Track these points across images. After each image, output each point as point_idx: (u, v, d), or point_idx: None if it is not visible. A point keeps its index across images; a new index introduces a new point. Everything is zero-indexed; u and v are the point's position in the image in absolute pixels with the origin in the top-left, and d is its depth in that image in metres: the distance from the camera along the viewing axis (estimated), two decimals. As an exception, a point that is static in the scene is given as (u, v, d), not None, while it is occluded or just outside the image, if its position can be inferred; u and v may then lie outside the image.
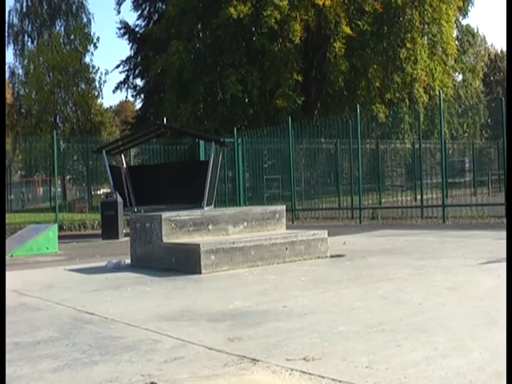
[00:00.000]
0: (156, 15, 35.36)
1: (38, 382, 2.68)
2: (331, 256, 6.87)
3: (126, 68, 35.99)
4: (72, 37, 38.38)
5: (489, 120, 38.19)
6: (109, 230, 12.23)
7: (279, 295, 4.54)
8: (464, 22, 40.82)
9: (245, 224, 7.19)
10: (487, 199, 17.70)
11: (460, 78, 42.83)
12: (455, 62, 35.98)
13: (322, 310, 3.90)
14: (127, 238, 8.44)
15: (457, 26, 36.95)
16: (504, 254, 5.49)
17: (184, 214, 6.90)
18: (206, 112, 30.38)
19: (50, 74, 36.24)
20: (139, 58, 35.72)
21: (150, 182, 14.16)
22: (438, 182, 15.53)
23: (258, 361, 2.80)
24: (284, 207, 8.02)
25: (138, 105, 39.05)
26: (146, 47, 33.98)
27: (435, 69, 29.82)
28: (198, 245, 6.03)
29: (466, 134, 39.08)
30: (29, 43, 40.07)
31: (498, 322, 3.24)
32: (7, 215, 14.32)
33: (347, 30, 26.82)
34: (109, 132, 40.18)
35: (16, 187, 31.22)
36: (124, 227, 12.65)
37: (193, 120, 28.47)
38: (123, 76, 36.32)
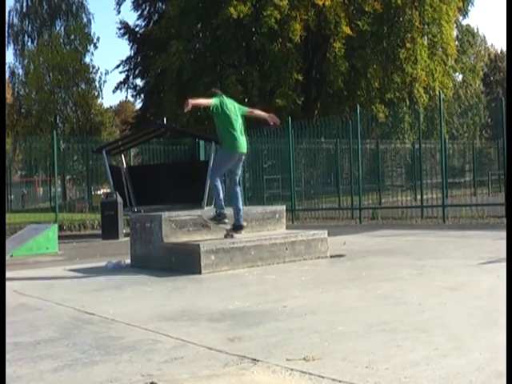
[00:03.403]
0: (156, 15, 35.37)
1: (38, 382, 2.68)
2: (331, 256, 6.87)
3: (126, 68, 36.02)
4: (72, 37, 38.41)
5: (489, 120, 38.19)
6: (109, 230, 12.22)
7: (279, 295, 4.54)
8: (464, 22, 40.87)
9: (245, 224, 7.19)
10: (487, 199, 17.68)
11: (460, 78, 42.86)
12: (455, 62, 35.99)
13: (322, 310, 3.90)
14: (127, 238, 8.44)
15: (457, 26, 36.97)
16: (504, 254, 5.49)
17: (184, 214, 6.90)
18: (206, 112, 30.36)
19: (50, 74, 36.26)
20: (139, 58, 35.74)
21: (150, 182, 14.14)
22: (438, 181, 15.52)
23: (258, 361, 2.80)
24: (284, 207, 8.02)
25: (138, 105, 39.12)
26: (146, 47, 33.99)
27: (435, 69, 29.83)
28: (198, 245, 6.03)
29: (466, 134, 39.08)
30: (29, 43, 40.15)
31: (498, 322, 3.24)
32: (7, 215, 14.31)
33: (347, 30, 26.82)
34: (109, 132, 40.19)
35: (16, 187, 31.23)
36: (124, 227, 12.64)
37: (193, 120, 28.45)
38: (123, 76, 36.38)
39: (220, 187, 6.54)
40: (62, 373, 2.79)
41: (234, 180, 6.73)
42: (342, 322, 3.50)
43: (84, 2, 40.93)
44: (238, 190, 6.69)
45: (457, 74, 40.22)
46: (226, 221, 6.47)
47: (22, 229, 11.47)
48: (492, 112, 31.49)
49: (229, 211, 6.66)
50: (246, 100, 28.82)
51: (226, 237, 6.42)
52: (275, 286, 5.12)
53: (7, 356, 3.04)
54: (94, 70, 38.08)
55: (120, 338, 3.42)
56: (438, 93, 17.24)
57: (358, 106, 14.88)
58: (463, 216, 12.80)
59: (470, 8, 35.88)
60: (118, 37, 36.22)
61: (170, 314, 4.05)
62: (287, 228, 7.87)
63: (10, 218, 15.03)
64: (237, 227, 6.52)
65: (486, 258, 6.08)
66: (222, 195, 6.53)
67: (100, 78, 38.50)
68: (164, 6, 33.82)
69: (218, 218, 6.50)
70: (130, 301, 4.72)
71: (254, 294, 4.66)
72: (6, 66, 38.05)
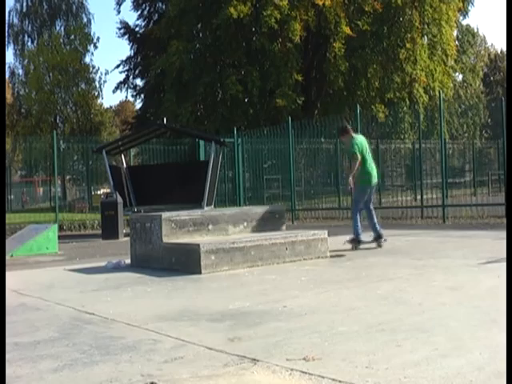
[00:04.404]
0: (156, 15, 35.32)
1: (38, 382, 2.68)
2: (331, 256, 6.87)
3: (126, 68, 35.96)
4: (72, 37, 38.37)
5: (489, 120, 38.18)
6: (109, 230, 12.22)
7: (279, 295, 4.54)
8: (464, 22, 40.90)
9: (245, 224, 7.19)
10: (487, 199, 17.69)
11: (460, 78, 42.87)
12: (455, 62, 35.98)
13: (322, 310, 3.90)
14: (127, 238, 8.44)
15: (457, 26, 36.93)
16: (504, 254, 5.49)
17: (184, 214, 6.90)
18: (205, 112, 30.36)
19: (50, 74, 36.23)
20: (139, 58, 35.70)
21: (150, 182, 14.14)
22: (438, 181, 15.53)
23: (258, 361, 2.80)
24: (284, 207, 8.02)
25: (138, 105, 39.04)
26: (146, 47, 33.96)
27: (435, 69, 29.82)
28: (198, 245, 6.03)
29: (466, 134, 39.09)
30: (29, 43, 40.12)
31: (498, 322, 3.24)
32: (7, 215, 14.31)
33: (347, 30, 26.81)
34: (109, 132, 40.19)
35: (16, 187, 31.21)
36: (124, 227, 12.64)
37: (193, 120, 28.44)
38: (123, 76, 36.30)
39: (358, 218, 7.69)
40: (61, 373, 2.79)
41: (368, 203, 7.87)
42: (341, 322, 3.50)
43: (84, 2, 40.93)
44: (373, 210, 7.94)
45: (457, 73, 40.22)
46: (360, 237, 7.64)
47: (22, 229, 11.47)
48: (492, 112, 31.49)
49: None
50: (246, 100, 28.86)
51: (378, 246, 7.66)
52: (275, 286, 5.12)
53: (7, 356, 3.04)
54: (94, 70, 38.08)
55: (120, 337, 3.42)
56: (437, 93, 17.23)
57: (358, 106, 14.88)
58: (463, 216, 12.79)
59: (470, 8, 35.88)
60: (118, 37, 36.19)
61: (169, 313, 4.05)
62: (287, 228, 7.87)
63: (10, 218, 15.03)
64: (378, 236, 7.71)
65: (485, 257, 6.08)
66: (359, 224, 7.66)
67: (100, 77, 38.48)
68: (164, 6, 33.80)
69: (354, 241, 7.63)
70: (129, 301, 4.72)
71: (254, 294, 4.66)
72: (6, 66, 38.08)
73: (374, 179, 7.80)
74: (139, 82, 36.28)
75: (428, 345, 2.92)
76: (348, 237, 7.78)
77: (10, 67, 39.64)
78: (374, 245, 7.69)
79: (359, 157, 7.51)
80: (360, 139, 7.84)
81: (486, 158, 28.70)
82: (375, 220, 7.79)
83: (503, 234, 7.93)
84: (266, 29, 26.37)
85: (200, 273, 5.89)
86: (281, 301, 4.26)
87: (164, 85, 30.44)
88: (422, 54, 29.19)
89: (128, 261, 7.11)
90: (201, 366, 2.77)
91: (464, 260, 6.14)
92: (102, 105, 40.88)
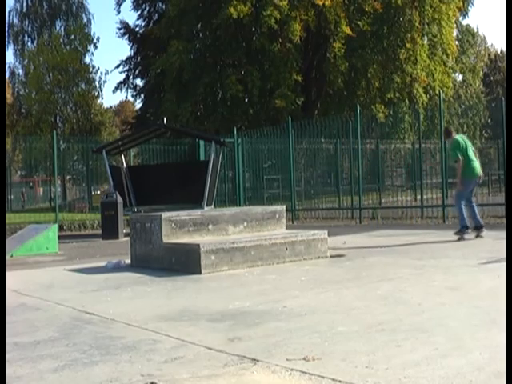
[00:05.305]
0: (156, 15, 35.33)
1: (38, 382, 2.68)
2: (331, 256, 6.87)
3: (126, 68, 35.96)
4: (72, 37, 38.37)
5: (489, 120, 38.15)
6: (109, 230, 12.22)
7: (279, 295, 4.54)
8: (464, 22, 40.88)
9: (245, 224, 7.19)
10: (487, 199, 17.66)
11: (460, 78, 42.86)
12: (455, 62, 35.97)
13: (322, 310, 3.90)
14: (127, 238, 8.44)
15: (457, 26, 36.93)
16: (504, 254, 5.49)
17: (184, 214, 6.90)
18: (205, 112, 30.36)
19: (50, 74, 36.24)
20: (139, 58, 35.70)
21: (150, 182, 14.14)
22: (438, 181, 15.51)
23: (258, 361, 2.80)
24: (284, 207, 8.02)
25: (138, 105, 39.02)
26: (146, 47, 33.96)
27: (435, 69, 29.82)
28: (198, 245, 6.03)
29: (466, 134, 39.03)
30: (29, 43, 40.14)
31: (498, 322, 3.24)
32: (7, 215, 14.31)
33: (347, 30, 26.81)
34: (109, 132, 40.18)
35: (16, 187, 31.20)
36: (124, 227, 12.64)
37: (193, 120, 28.45)
38: (123, 76, 36.30)
39: (463, 208, 8.35)
40: (62, 373, 2.79)
41: (470, 196, 8.61)
42: (341, 322, 3.50)
43: (84, 2, 40.94)
44: (474, 202, 8.66)
45: (457, 73, 40.22)
46: (469, 231, 8.24)
47: (22, 229, 11.46)
48: (492, 112, 31.44)
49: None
50: (246, 100, 28.86)
51: (476, 236, 8.21)
52: (275, 286, 5.12)
53: (7, 356, 3.04)
54: (94, 70, 38.09)
55: (120, 337, 3.42)
56: (437, 93, 17.22)
57: (358, 106, 14.88)
58: (463, 216, 12.76)
59: (470, 8, 35.93)
60: (118, 37, 36.18)
61: (169, 313, 4.05)
62: (287, 228, 7.87)
63: (10, 218, 15.03)
64: (478, 226, 8.32)
65: (485, 257, 6.08)
66: (465, 214, 8.28)
67: (100, 77, 38.51)
68: (164, 6, 33.80)
69: (463, 230, 8.22)
70: (129, 301, 4.72)
71: (254, 294, 4.66)
72: (6, 66, 38.07)
73: (477, 172, 8.42)
74: (139, 82, 36.32)
75: (428, 345, 2.92)
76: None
77: (10, 67, 39.69)
78: (473, 235, 8.19)
79: (461, 159, 8.19)
80: (459, 140, 8.40)
81: (486, 157, 28.65)
82: (476, 211, 8.47)
83: (503, 234, 7.93)
84: (265, 29, 26.39)
85: (200, 273, 5.89)
86: (281, 301, 4.26)
87: (164, 85, 30.45)
88: (422, 53, 29.19)
89: (128, 261, 7.11)
90: (201, 366, 2.77)
91: (464, 260, 6.14)
92: (101, 105, 40.93)
